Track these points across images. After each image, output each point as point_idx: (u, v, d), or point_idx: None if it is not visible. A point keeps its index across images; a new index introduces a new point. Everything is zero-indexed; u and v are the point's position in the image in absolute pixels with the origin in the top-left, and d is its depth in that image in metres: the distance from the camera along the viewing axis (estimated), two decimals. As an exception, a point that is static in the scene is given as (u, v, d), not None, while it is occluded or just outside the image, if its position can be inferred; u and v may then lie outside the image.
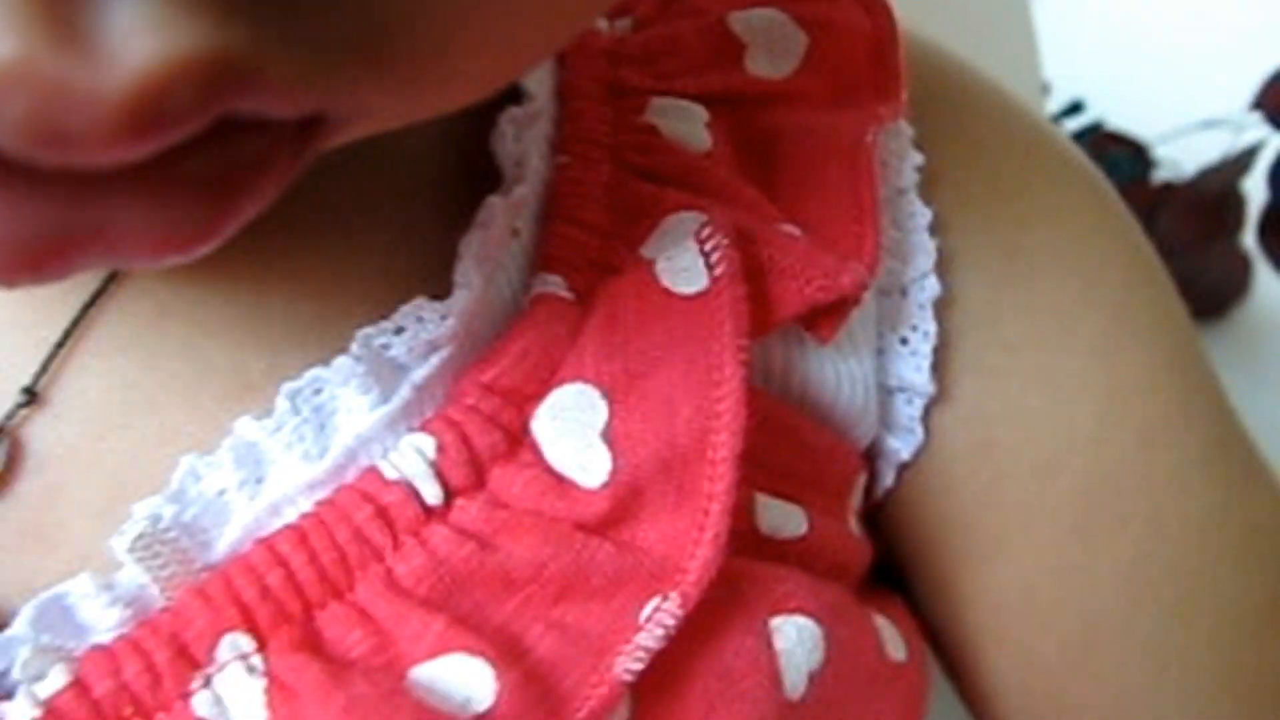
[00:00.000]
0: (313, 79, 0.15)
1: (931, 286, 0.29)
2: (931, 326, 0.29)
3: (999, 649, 0.30)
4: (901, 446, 0.30)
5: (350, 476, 0.24)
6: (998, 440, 0.29)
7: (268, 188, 0.17)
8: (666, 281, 0.25)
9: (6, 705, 0.22)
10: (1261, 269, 1.00)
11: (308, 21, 0.15)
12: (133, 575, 0.23)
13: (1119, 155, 0.99)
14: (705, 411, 0.24)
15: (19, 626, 0.23)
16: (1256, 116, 0.96)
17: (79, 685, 0.22)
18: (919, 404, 0.29)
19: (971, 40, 0.40)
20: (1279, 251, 0.97)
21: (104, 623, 0.23)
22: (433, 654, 0.23)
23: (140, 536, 0.23)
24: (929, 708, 0.30)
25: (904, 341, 0.29)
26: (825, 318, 0.27)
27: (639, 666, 0.23)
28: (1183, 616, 0.29)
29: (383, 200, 0.26)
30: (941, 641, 0.32)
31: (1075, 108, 1.02)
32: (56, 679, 0.22)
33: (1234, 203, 0.99)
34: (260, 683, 0.22)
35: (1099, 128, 0.99)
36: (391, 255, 0.26)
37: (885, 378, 0.29)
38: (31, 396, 0.24)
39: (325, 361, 0.24)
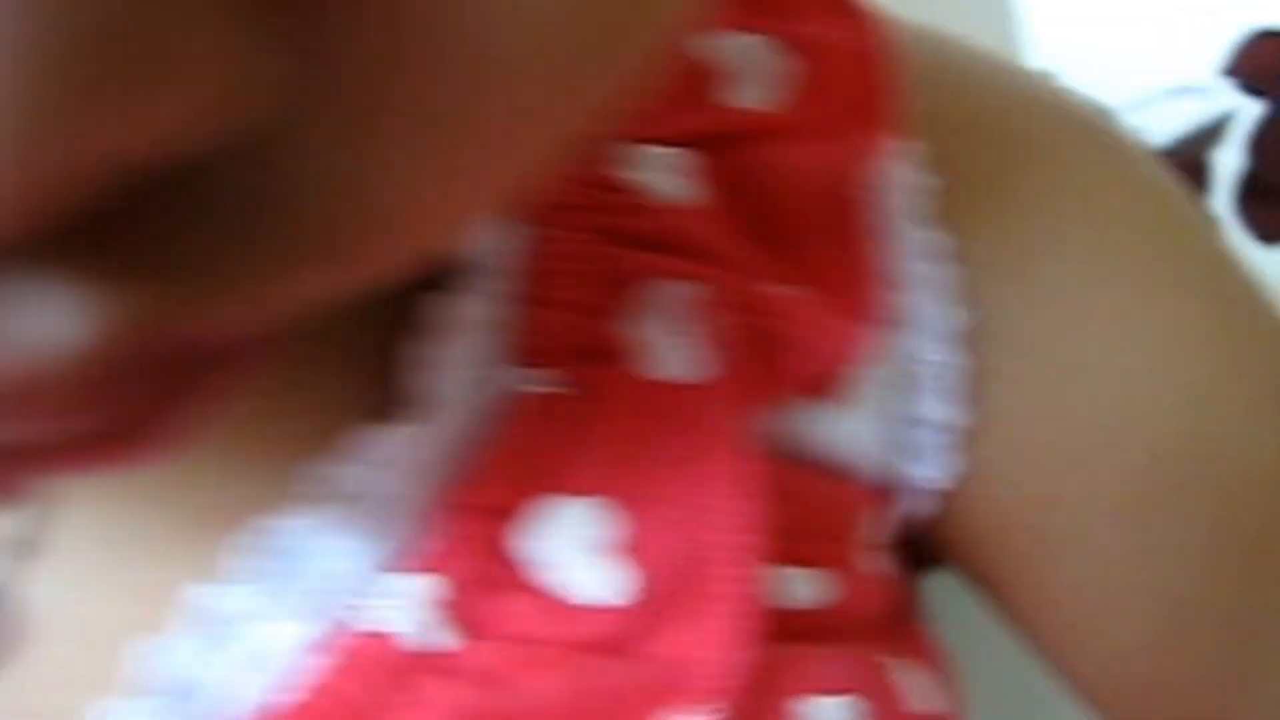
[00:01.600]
0: (241, 306, 0.14)
1: (952, 319, 0.27)
2: (956, 360, 0.27)
3: (1086, 643, 0.29)
4: (939, 475, 0.28)
5: (344, 629, 0.22)
6: (1036, 442, 0.28)
7: (222, 383, 0.16)
8: (658, 370, 0.24)
9: None
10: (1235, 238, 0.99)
11: (222, 256, 0.14)
12: None
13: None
14: (715, 509, 0.23)
15: None
16: (1228, 83, 0.97)
17: None
18: (951, 435, 0.28)
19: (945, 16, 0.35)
20: (1261, 220, 0.97)
21: None
22: None
23: None
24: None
25: (930, 376, 0.28)
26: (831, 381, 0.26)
27: None
28: (1267, 578, 0.28)
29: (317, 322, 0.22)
30: (1031, 643, 0.31)
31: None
32: None
33: (1204, 172, 0.98)
34: None
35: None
36: (336, 378, 0.23)
37: (911, 410, 0.28)
38: (26, 547, 0.23)
39: (280, 510, 0.22)
